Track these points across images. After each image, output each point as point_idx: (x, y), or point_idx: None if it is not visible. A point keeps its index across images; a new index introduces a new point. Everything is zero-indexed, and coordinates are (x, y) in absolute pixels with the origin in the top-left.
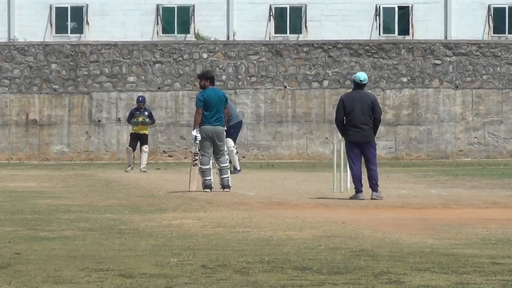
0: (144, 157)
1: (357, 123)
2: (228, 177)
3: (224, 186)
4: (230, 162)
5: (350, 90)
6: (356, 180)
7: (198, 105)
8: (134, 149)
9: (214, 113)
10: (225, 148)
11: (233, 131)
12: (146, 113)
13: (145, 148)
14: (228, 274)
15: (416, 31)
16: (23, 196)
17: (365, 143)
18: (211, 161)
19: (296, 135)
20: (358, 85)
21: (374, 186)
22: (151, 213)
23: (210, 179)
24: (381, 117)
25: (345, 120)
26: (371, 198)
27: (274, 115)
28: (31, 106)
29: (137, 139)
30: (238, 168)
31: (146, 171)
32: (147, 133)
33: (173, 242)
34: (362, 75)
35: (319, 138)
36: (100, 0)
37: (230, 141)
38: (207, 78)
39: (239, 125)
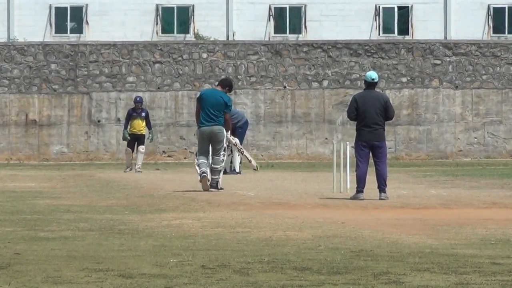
0: (140, 157)
1: (370, 123)
2: (217, 178)
3: (212, 186)
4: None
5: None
6: (359, 180)
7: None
8: (132, 150)
9: (207, 113)
10: (223, 150)
11: (241, 131)
12: (143, 113)
13: (142, 148)
14: (228, 274)
15: (416, 31)
16: (22, 196)
17: (376, 142)
18: (208, 160)
19: (295, 135)
20: (370, 84)
21: (382, 186)
22: (151, 213)
23: (205, 170)
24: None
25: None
26: (380, 199)
27: (273, 115)
28: (30, 106)
29: (135, 140)
30: (237, 170)
31: (141, 171)
32: (144, 133)
33: (172, 242)
34: (373, 74)
35: (318, 138)
36: (100, 0)
37: (236, 140)
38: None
39: (246, 125)
